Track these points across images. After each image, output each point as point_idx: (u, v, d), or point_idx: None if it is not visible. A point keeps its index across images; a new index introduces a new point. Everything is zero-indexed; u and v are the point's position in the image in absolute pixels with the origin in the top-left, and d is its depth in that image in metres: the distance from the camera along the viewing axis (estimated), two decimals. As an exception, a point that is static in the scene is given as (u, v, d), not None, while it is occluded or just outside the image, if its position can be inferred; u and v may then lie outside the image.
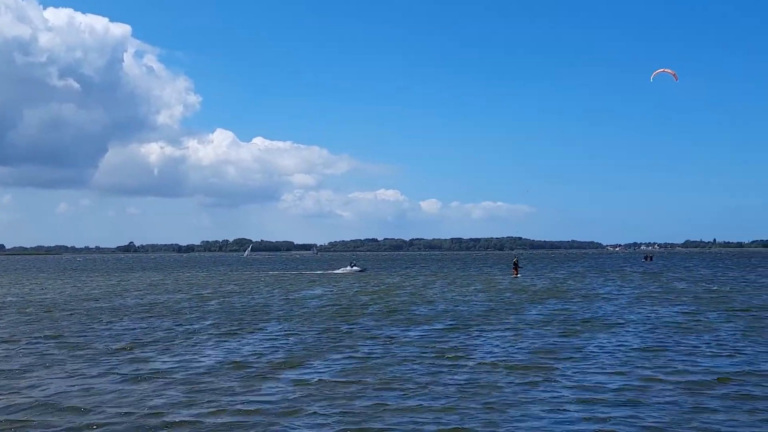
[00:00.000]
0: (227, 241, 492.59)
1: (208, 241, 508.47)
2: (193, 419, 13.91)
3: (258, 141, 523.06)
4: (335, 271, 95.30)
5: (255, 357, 21.06)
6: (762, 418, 13.63)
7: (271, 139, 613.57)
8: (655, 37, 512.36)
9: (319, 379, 17.52)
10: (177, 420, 13.84)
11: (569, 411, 14.30)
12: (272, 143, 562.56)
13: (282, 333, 26.61)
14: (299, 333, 26.49)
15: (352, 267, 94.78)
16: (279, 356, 21.12)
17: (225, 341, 24.61)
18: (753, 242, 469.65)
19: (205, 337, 25.61)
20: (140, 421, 13.76)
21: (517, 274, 74.93)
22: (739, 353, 20.92)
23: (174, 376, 18.11)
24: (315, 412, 14.33)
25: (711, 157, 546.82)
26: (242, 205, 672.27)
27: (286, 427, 13.45)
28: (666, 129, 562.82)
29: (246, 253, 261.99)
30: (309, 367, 19.26)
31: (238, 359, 20.64)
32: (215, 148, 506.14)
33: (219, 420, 13.87)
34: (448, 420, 13.70)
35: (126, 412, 14.38)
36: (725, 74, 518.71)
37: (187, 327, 28.97)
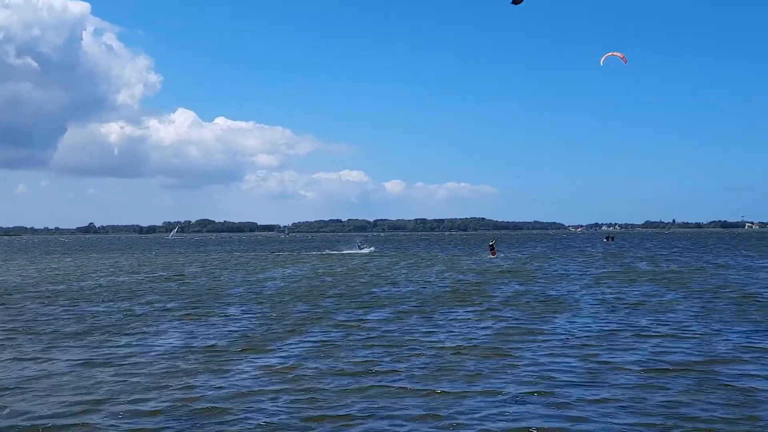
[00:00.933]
0: (189, 222, 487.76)
1: (170, 222, 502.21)
2: (150, 403, 13.69)
3: (220, 121, 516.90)
4: (342, 252, 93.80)
5: (214, 340, 20.79)
6: (716, 396, 13.85)
7: (233, 119, 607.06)
8: (605, 22, 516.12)
9: (279, 363, 17.35)
10: (131, 404, 13.62)
11: (528, 393, 14.35)
12: (235, 123, 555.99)
13: (242, 316, 26.33)
14: (260, 315, 26.26)
15: (360, 248, 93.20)
16: (238, 340, 20.86)
17: (184, 324, 24.29)
18: (711, 222, 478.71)
19: (164, 320, 25.27)
20: (95, 407, 13.49)
21: (494, 255, 76.07)
22: (694, 333, 21.24)
23: (131, 360, 17.82)
24: (274, 398, 14.18)
25: (670, 139, 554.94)
26: (204, 185, 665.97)
27: (244, 410, 13.28)
28: (627, 111, 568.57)
29: (171, 234, 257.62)
30: (268, 351, 19.04)
31: (197, 343, 20.39)
32: (177, 128, 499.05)
33: (176, 404, 13.66)
34: (411, 404, 13.67)
35: (80, 398, 14.11)
36: (680, 59, 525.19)
37: (147, 309, 28.56)
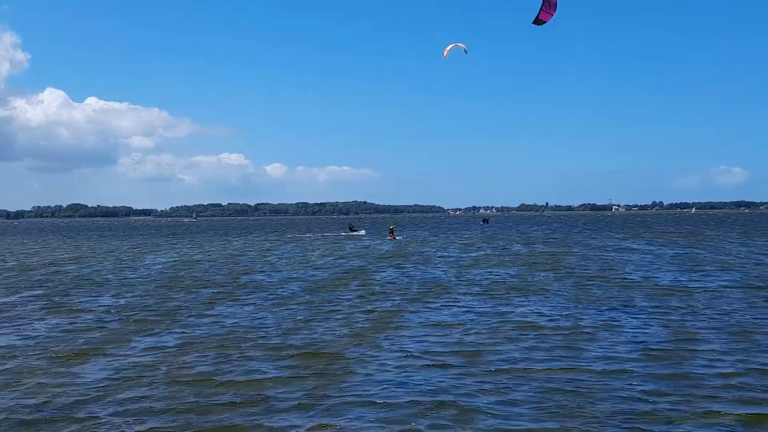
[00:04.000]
0: (60, 206, 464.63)
1: (39, 207, 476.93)
2: None
3: (92, 101, 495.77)
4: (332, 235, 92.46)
5: (75, 334, 19.64)
6: (582, 367, 14.33)
7: (106, 99, 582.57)
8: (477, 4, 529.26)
9: (146, 357, 16.55)
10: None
11: (400, 379, 14.36)
12: (107, 104, 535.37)
13: (111, 306, 25.12)
14: (130, 306, 25.13)
15: (352, 231, 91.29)
16: (99, 333, 19.69)
17: (47, 316, 22.91)
18: (581, 205, 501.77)
19: (23, 313, 23.76)
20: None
21: (393, 238, 76.98)
22: (566, 311, 22.00)
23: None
24: (138, 396, 13.51)
25: (543, 123, 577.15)
26: (76, 168, 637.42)
27: (99, 412, 12.54)
28: (503, 97, 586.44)
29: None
30: (134, 344, 18.10)
31: (55, 335, 19.27)
32: (45, 109, 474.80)
33: (24, 403, 12.76)
34: (283, 396, 13.39)
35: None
36: (555, 47, 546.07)
37: (4, 300, 26.84)
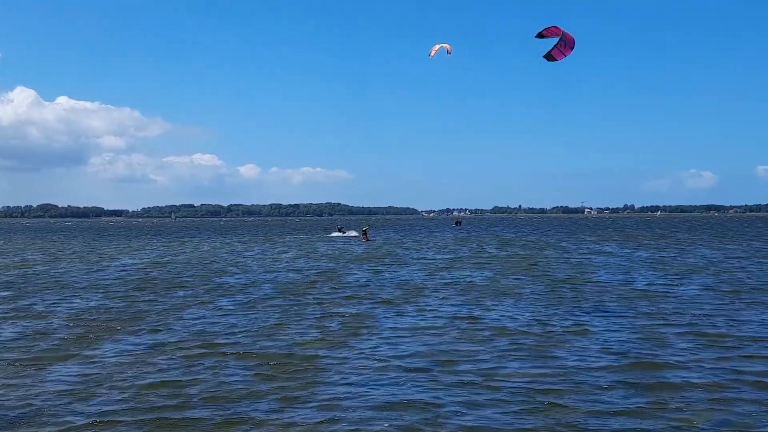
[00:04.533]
0: (30, 206, 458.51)
1: (9, 207, 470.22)
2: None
3: (63, 101, 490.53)
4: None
5: (40, 337, 19.22)
6: (547, 366, 14.32)
7: (77, 99, 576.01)
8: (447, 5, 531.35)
9: (114, 362, 16.20)
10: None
11: (371, 383, 14.25)
12: (79, 103, 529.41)
13: (79, 308, 24.68)
14: (98, 309, 24.71)
15: (343, 233, 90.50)
16: (66, 336, 19.32)
17: (12, 319, 22.44)
18: (554, 208, 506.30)
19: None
20: None
21: (367, 239, 77.14)
22: (538, 314, 22.03)
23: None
24: (105, 403, 13.25)
25: (518, 126, 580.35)
26: (46, 168, 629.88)
27: (63, 419, 12.27)
28: (477, 100, 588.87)
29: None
30: (102, 348, 17.76)
31: (20, 339, 18.86)
32: (15, 108, 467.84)
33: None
34: (253, 401, 13.21)
35: None
36: (521, 51, 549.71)
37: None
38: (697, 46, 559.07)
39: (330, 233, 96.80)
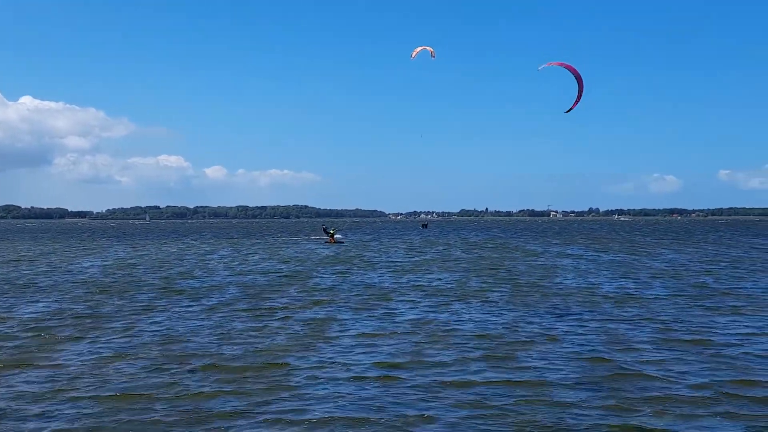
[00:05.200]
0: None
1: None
2: None
3: (26, 100, 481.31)
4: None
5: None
6: (513, 369, 14.41)
7: (41, 98, 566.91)
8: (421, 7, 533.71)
9: (75, 368, 15.94)
10: None
11: (337, 389, 14.21)
12: (42, 103, 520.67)
13: (40, 312, 24.22)
14: (60, 312, 24.25)
15: (328, 234, 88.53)
16: (25, 341, 18.97)
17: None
18: (520, 211, 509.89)
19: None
20: None
21: (333, 241, 76.76)
22: (504, 318, 22.14)
23: None
24: (65, 410, 13.02)
25: (484, 129, 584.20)
26: (9, 169, 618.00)
27: (22, 427, 12.06)
28: (441, 100, 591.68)
29: None
30: (63, 353, 17.47)
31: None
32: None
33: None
34: (217, 407, 13.08)
35: None
36: (486, 53, 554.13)
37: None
38: (660, 51, 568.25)
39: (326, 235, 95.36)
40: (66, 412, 12.53)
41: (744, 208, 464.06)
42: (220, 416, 12.27)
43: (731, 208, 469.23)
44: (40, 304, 26.13)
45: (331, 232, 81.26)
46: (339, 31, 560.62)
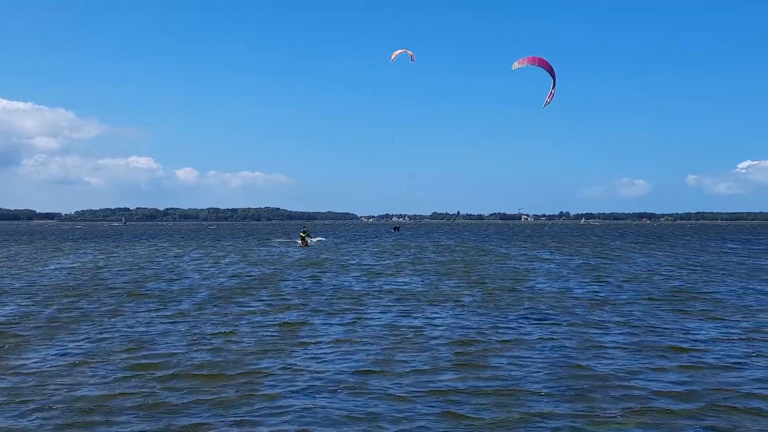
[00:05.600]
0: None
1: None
2: None
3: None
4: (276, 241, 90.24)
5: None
6: (485, 374, 14.35)
7: (8, 98, 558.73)
8: (397, 12, 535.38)
9: (39, 374, 15.57)
10: None
11: (308, 397, 14.05)
12: (10, 103, 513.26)
13: (5, 314, 23.72)
14: (24, 315, 23.76)
15: (312, 239, 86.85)
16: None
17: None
18: (492, 215, 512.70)
19: None
20: None
21: (306, 244, 76.21)
22: (476, 322, 22.10)
23: None
24: (29, 418, 12.71)
25: (455, 132, 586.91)
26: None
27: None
28: (413, 102, 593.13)
29: None
30: (26, 359, 17.08)
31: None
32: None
33: None
34: (184, 417, 12.85)
35: None
36: (470, 51, 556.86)
37: None
38: (631, 55, 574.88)
39: (269, 240, 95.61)
40: (31, 420, 12.22)
41: (711, 213, 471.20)
42: (188, 424, 12.04)
43: (699, 213, 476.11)
44: (8, 308, 25.59)
45: (302, 234, 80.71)
46: (310, 32, 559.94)
